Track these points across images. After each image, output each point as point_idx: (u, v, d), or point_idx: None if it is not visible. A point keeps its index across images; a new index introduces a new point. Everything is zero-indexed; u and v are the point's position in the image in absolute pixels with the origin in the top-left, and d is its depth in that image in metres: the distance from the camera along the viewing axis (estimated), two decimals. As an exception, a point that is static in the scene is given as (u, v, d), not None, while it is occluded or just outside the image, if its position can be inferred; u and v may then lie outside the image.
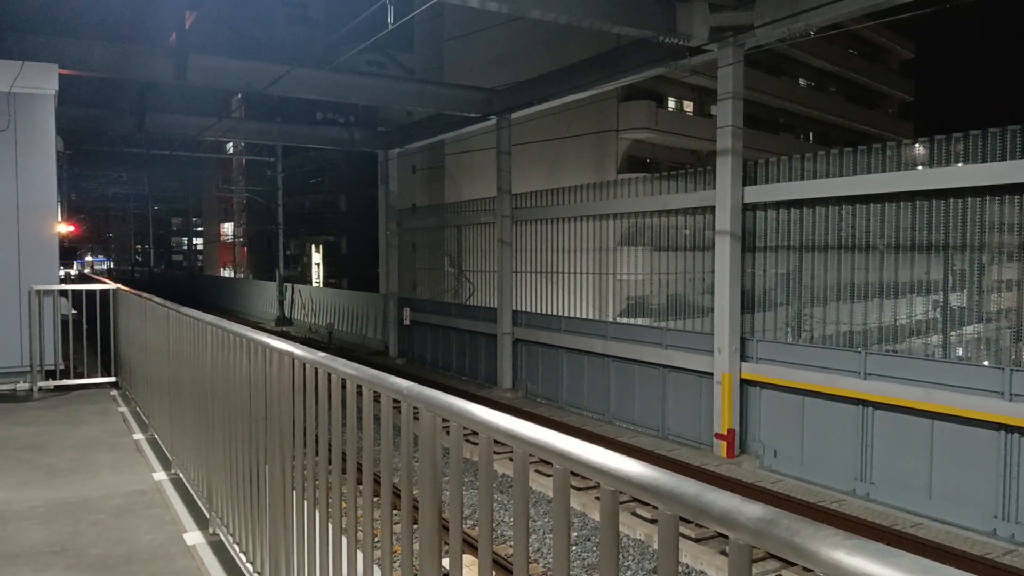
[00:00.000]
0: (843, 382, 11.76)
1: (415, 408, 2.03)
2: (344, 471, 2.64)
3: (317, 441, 2.75)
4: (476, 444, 1.79)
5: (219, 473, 4.00)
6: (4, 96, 8.76)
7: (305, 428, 2.85)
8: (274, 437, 3.09)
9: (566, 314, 18.10)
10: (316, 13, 52.06)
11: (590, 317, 17.60)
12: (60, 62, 10.31)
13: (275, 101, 22.46)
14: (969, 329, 11.69)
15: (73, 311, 9.40)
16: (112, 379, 8.92)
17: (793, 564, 8.59)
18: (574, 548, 9.48)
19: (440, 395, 1.93)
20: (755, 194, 13.40)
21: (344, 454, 2.64)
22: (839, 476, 11.94)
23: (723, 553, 9.19)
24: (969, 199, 10.79)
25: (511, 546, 9.14)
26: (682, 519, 1.25)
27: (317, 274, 51.51)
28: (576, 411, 17.07)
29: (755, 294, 13.85)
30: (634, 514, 10.23)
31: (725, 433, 13.23)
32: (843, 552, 0.95)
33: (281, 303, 35.95)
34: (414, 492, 2.12)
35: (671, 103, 31.83)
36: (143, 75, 16.01)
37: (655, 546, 9.66)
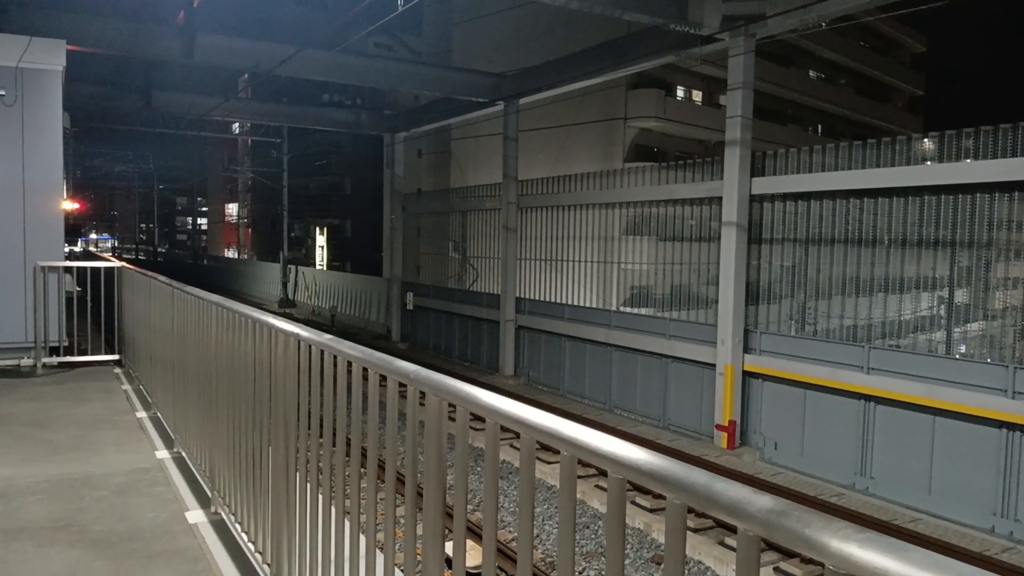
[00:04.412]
0: (846, 376, 11.76)
1: (421, 392, 2.03)
2: (348, 454, 2.64)
3: (321, 423, 2.75)
4: (480, 430, 1.78)
5: (222, 453, 4.01)
6: (11, 71, 8.74)
7: (309, 410, 2.85)
8: (278, 418, 3.09)
9: (569, 302, 18.09)
10: (325, -6, 51.69)
11: (593, 306, 17.60)
12: (68, 38, 10.27)
13: (282, 82, 22.36)
14: (973, 326, 11.67)
15: (77, 288, 9.41)
16: (116, 357, 8.95)
17: (792, 556, 8.61)
18: (573, 535, 9.51)
19: (447, 379, 1.92)
20: (762, 186, 13.34)
21: (348, 437, 2.64)
22: (839, 470, 11.95)
23: (721, 544, 9.22)
24: (978, 195, 10.73)
25: (511, 532, 9.19)
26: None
27: (321, 257, 51.49)
28: (577, 399, 17.09)
29: (759, 286, 13.82)
30: (633, 503, 10.26)
31: (726, 424, 13.25)
32: (854, 545, 0.94)
33: (285, 285, 35.99)
34: (418, 476, 2.12)
35: (680, 92, 31.64)
36: (151, 53, 15.95)
37: (653, 535, 9.70)
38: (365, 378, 2.40)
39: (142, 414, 6.61)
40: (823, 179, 12.58)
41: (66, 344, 8.92)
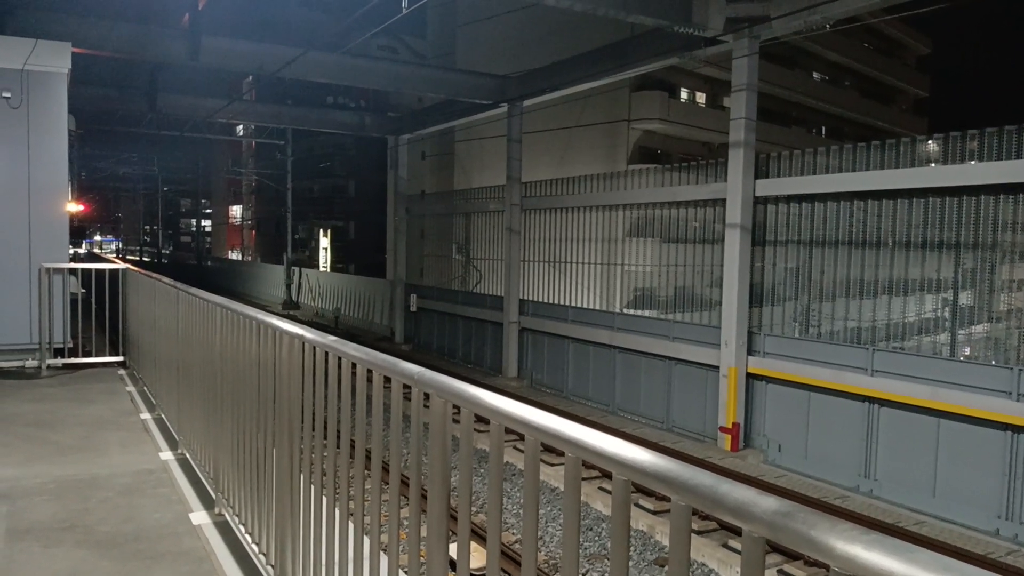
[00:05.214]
0: (850, 378, 11.74)
1: (426, 394, 2.03)
2: (352, 456, 2.65)
3: (325, 425, 2.75)
4: (485, 432, 1.78)
5: (226, 454, 4.01)
6: (17, 74, 8.77)
7: (314, 412, 2.85)
8: (282, 420, 3.09)
9: (573, 304, 18.09)
10: (329, -4, 51.69)
11: (597, 308, 17.59)
12: (74, 41, 10.32)
13: (286, 84, 22.45)
14: (978, 328, 11.64)
15: (82, 290, 9.43)
16: (120, 358, 8.96)
17: (797, 558, 8.59)
18: (576, 537, 9.51)
19: (452, 381, 1.92)
20: (766, 187, 13.33)
21: (352, 439, 2.64)
22: (843, 472, 11.93)
23: (725, 546, 9.20)
24: (982, 197, 10.71)
25: (514, 534, 9.18)
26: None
27: (325, 259, 51.54)
28: (581, 401, 17.08)
29: (763, 288, 13.81)
30: (636, 505, 10.24)
31: (730, 427, 13.23)
32: (860, 547, 0.94)
33: (288, 287, 36.04)
34: (422, 478, 2.12)
35: (683, 94, 31.63)
36: (156, 56, 15.99)
37: (657, 537, 9.68)
38: (369, 380, 2.41)
39: (146, 415, 6.62)
40: (827, 181, 12.56)
41: (70, 346, 8.93)
